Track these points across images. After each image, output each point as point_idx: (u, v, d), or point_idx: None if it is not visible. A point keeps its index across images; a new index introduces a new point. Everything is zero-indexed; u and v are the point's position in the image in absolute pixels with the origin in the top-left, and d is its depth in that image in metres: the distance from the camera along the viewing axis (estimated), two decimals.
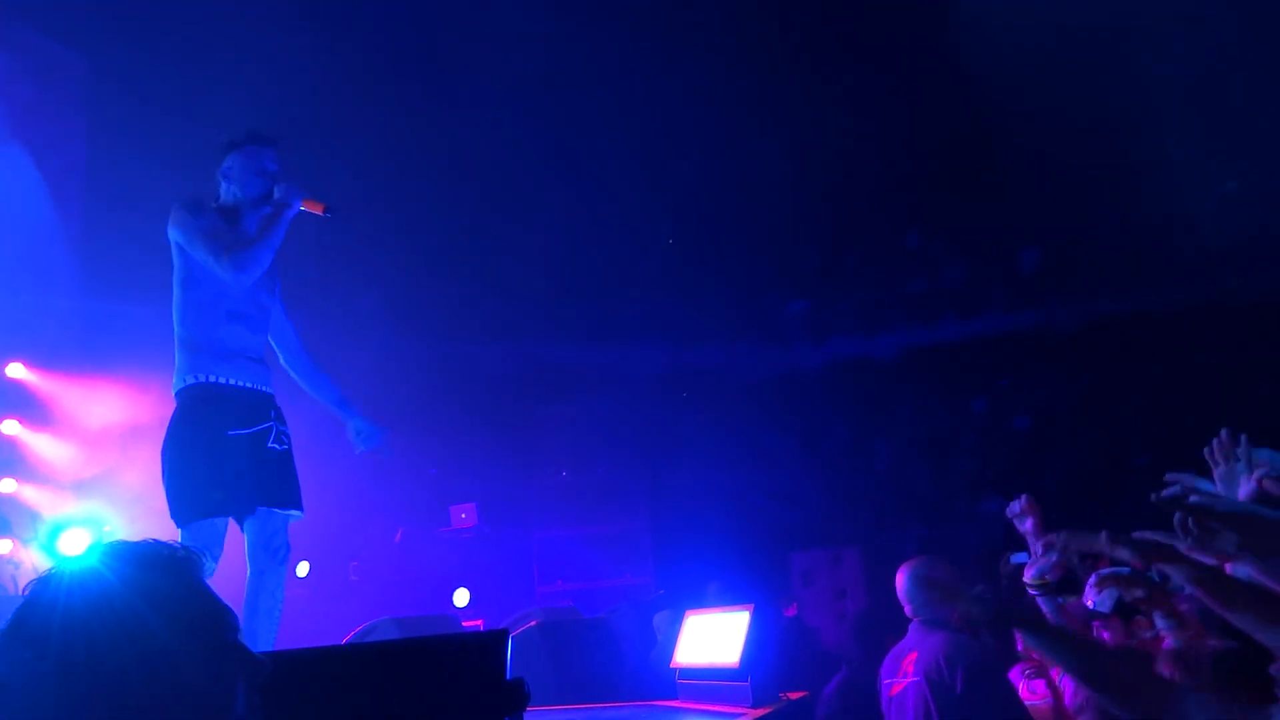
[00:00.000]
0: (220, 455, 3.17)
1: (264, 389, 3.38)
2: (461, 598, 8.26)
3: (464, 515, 8.81)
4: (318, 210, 3.37)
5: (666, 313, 9.61)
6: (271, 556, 3.43)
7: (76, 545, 5.78)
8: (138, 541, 1.12)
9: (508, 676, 2.09)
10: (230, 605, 1.20)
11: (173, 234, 3.31)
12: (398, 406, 9.92)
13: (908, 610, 3.49)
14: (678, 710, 3.51)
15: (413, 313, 10.22)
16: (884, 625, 4.35)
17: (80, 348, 8.41)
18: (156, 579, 1.08)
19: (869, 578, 8.38)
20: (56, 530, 6.01)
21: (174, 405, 3.28)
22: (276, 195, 3.33)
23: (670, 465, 9.28)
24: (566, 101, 8.55)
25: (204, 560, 1.21)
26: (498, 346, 9.20)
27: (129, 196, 8.05)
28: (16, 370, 8.40)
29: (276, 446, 3.32)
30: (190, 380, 3.23)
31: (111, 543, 1.11)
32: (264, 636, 3.32)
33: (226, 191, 3.47)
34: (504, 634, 2.09)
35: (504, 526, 8.83)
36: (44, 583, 1.08)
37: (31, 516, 7.67)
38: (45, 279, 8.65)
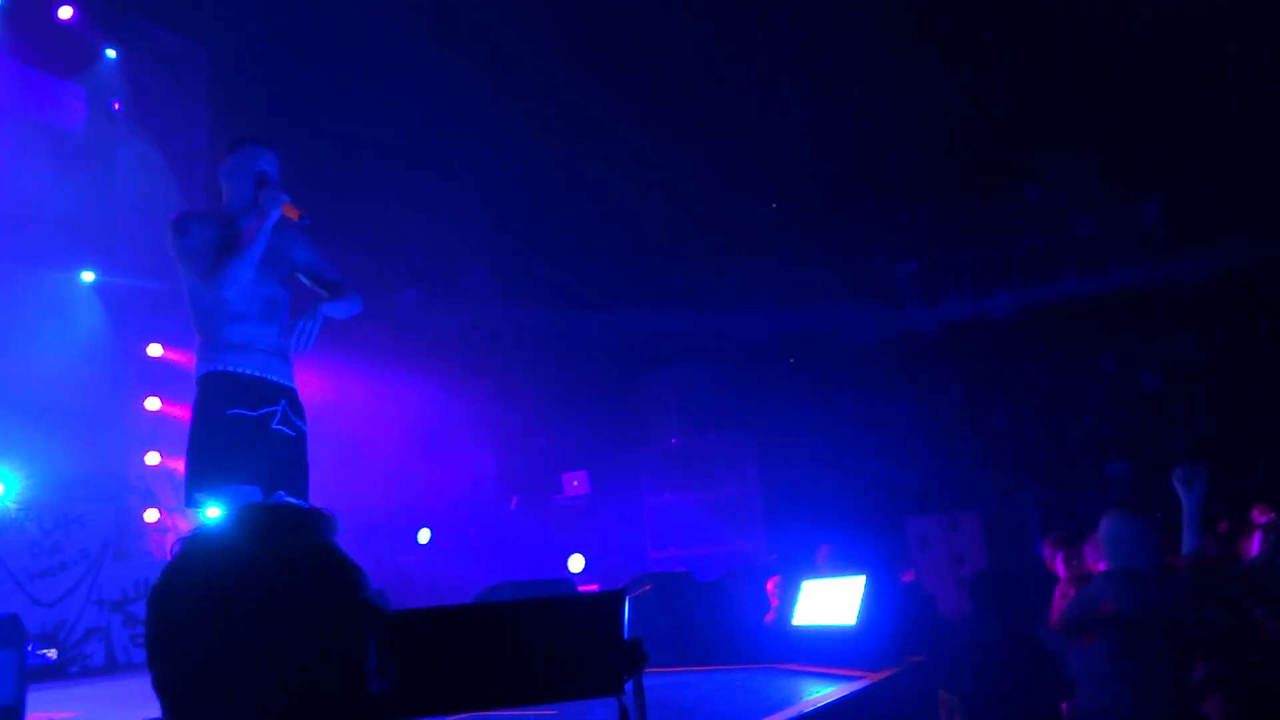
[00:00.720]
0: (220, 433, 3.26)
1: (272, 379, 3.43)
2: (576, 563, 8.42)
3: (575, 483, 8.95)
4: (294, 216, 3.41)
5: (774, 276, 9.51)
6: None
7: (217, 511, 6.12)
8: (271, 504, 1.17)
9: (626, 636, 2.12)
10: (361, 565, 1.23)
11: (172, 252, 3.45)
12: (507, 378, 10.14)
13: (1104, 562, 3.37)
14: (795, 673, 3.51)
15: (519, 285, 10.39)
16: (1004, 590, 4.23)
17: None
18: (288, 538, 1.12)
19: (989, 542, 8.17)
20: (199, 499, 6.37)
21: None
22: (261, 202, 3.38)
23: (780, 430, 9.21)
24: (665, 65, 8.49)
25: (335, 521, 1.25)
26: (605, 315, 9.27)
27: None
28: (156, 350, 8.90)
29: (284, 430, 3.37)
30: (200, 373, 3.37)
31: (247, 505, 1.15)
32: None
33: (226, 194, 3.54)
34: (621, 594, 2.12)
35: (615, 493, 8.94)
36: (182, 545, 1.13)
37: (176, 487, 8.16)
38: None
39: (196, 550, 1.09)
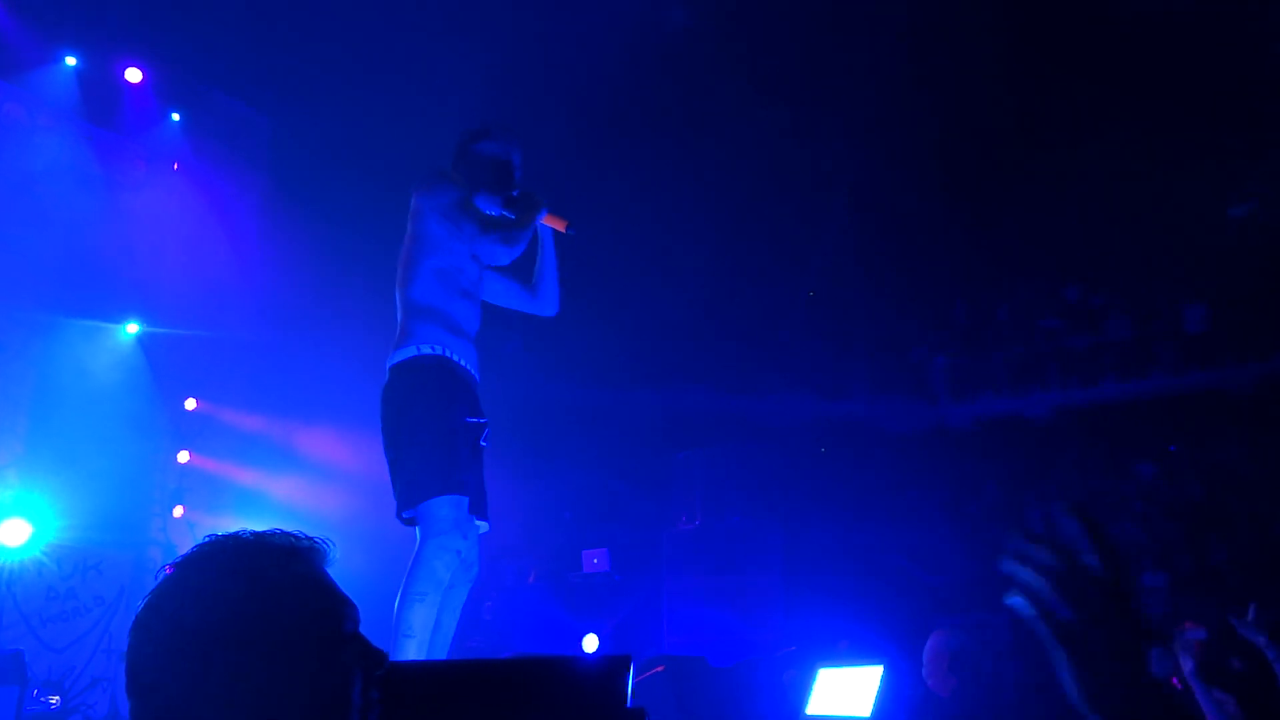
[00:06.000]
0: (459, 436, 2.93)
1: (477, 377, 3.12)
2: (590, 643, 8.23)
3: (595, 560, 8.82)
4: (560, 227, 3.23)
5: (808, 363, 9.47)
6: (467, 570, 3.05)
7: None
8: (257, 531, 1.14)
9: (628, 704, 2.04)
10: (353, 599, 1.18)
11: (425, 201, 3.08)
12: (535, 450, 10.10)
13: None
14: None
15: (553, 358, 10.42)
16: (1028, 690, 4.08)
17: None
18: (270, 569, 1.09)
19: (1016, 648, 7.91)
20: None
21: (395, 374, 3.02)
22: (532, 198, 3.16)
23: (806, 518, 9.05)
24: (709, 140, 8.61)
25: (327, 549, 1.21)
26: (634, 393, 9.25)
27: (299, 249, 8.66)
28: (191, 404, 9.09)
29: (484, 445, 3.09)
30: (426, 350, 2.97)
31: (231, 534, 1.12)
32: (440, 652, 2.97)
33: (480, 173, 3.25)
34: (627, 660, 2.05)
35: (635, 573, 8.79)
36: (169, 571, 1.11)
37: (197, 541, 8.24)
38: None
39: (181, 578, 1.06)
